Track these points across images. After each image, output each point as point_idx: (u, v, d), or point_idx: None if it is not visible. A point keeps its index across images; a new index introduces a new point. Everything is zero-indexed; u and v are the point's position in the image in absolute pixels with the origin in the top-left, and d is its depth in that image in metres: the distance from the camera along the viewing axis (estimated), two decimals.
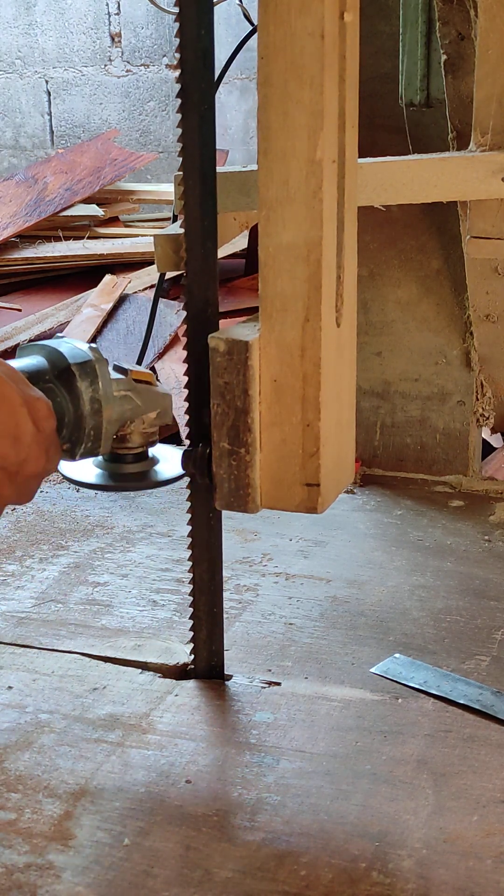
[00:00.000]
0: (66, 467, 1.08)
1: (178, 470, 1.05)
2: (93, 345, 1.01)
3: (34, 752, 1.02)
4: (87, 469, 1.09)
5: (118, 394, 1.02)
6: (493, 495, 1.63)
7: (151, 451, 1.09)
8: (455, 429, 1.69)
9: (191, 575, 1.11)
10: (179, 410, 2.34)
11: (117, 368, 1.03)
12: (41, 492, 1.65)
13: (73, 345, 1.00)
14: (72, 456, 1.00)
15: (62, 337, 1.03)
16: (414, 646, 1.21)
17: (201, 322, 1.00)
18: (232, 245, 3.23)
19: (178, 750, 1.02)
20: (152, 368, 2.54)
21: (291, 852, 0.89)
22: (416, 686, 1.12)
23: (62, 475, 1.09)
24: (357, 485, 1.67)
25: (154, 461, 1.09)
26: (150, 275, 3.13)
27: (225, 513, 1.05)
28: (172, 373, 2.51)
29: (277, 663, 1.17)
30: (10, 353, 2.74)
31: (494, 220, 1.29)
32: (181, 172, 0.98)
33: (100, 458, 1.07)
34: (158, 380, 1.09)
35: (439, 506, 1.60)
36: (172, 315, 2.73)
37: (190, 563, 1.10)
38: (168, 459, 1.09)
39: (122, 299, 2.91)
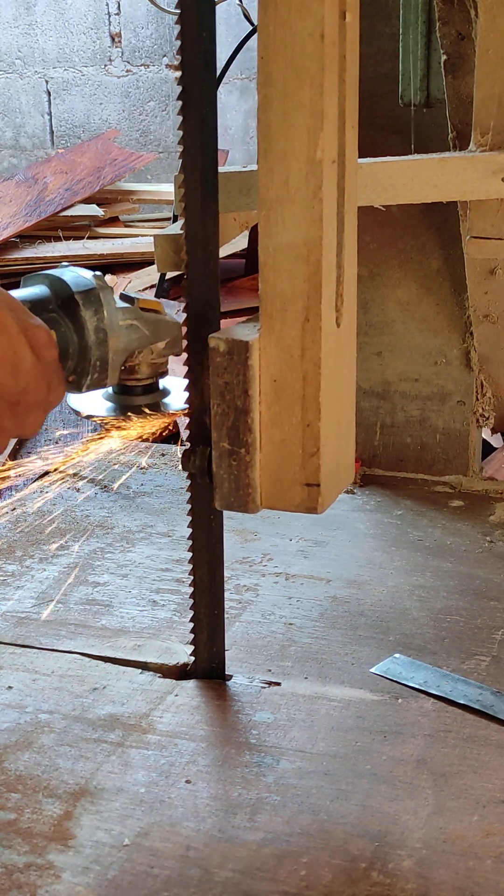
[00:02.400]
0: (75, 400, 1.05)
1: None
2: (97, 272, 0.97)
3: (34, 752, 1.02)
4: (96, 402, 1.05)
5: (124, 323, 0.98)
6: (493, 495, 1.63)
7: (161, 383, 1.05)
8: (455, 429, 1.69)
9: (191, 575, 1.11)
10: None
11: (124, 297, 1.00)
12: (41, 491, 1.65)
13: (77, 273, 0.96)
14: (78, 388, 0.96)
15: (67, 265, 1.00)
16: (414, 646, 1.21)
17: (201, 322, 1.00)
18: (232, 245, 3.23)
19: (178, 750, 1.02)
20: None
21: (291, 852, 0.89)
22: (416, 686, 1.12)
23: (71, 408, 1.06)
24: (357, 485, 1.67)
25: (164, 393, 1.06)
26: (150, 275, 3.14)
27: (225, 513, 1.05)
28: (172, 373, 2.50)
29: (277, 663, 1.17)
30: None
31: (494, 220, 1.29)
32: (181, 173, 0.98)
33: (109, 390, 1.04)
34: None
35: (439, 506, 1.60)
36: (172, 315, 2.72)
37: (190, 564, 1.10)
38: (179, 390, 1.06)
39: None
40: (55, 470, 1.74)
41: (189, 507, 1.08)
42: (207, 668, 1.14)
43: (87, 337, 0.95)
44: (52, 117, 4.60)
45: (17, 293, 0.93)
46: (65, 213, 3.51)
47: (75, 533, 1.51)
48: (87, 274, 0.96)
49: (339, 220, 0.92)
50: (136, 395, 1.05)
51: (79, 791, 0.96)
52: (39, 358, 0.86)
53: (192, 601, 1.12)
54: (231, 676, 1.14)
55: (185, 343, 1.02)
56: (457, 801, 0.95)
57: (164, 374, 1.06)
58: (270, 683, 1.13)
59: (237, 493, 0.95)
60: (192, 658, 1.15)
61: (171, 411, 1.05)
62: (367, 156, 1.17)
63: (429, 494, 1.64)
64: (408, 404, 1.70)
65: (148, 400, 1.05)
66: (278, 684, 1.13)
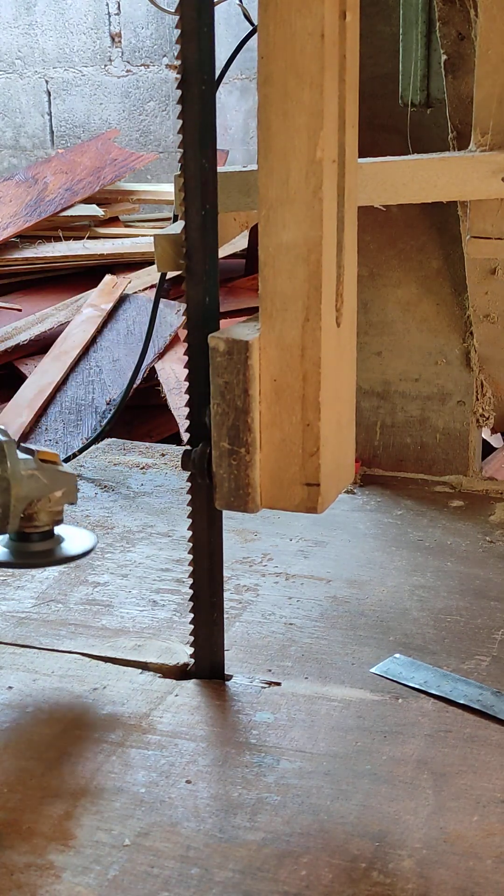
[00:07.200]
0: None
1: (84, 546, 1.10)
2: (1, 426, 1.06)
3: (34, 752, 1.02)
4: None
5: (26, 473, 1.06)
6: (493, 495, 1.63)
7: (57, 530, 1.13)
8: (455, 429, 1.69)
9: (191, 578, 1.11)
10: (180, 410, 2.34)
11: (24, 449, 1.08)
12: None
13: None
14: None
15: None
16: (414, 646, 1.21)
17: (201, 322, 1.00)
18: (232, 245, 3.23)
19: (179, 750, 1.02)
20: (152, 369, 2.54)
21: (291, 852, 0.89)
22: (416, 686, 1.12)
23: None
24: (357, 485, 1.67)
25: (59, 539, 1.13)
26: (150, 275, 3.13)
27: (225, 513, 1.05)
28: (173, 373, 2.50)
29: (277, 663, 1.17)
30: (11, 352, 2.74)
31: (494, 220, 1.29)
32: (181, 174, 0.98)
33: (6, 536, 1.11)
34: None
35: (439, 506, 1.60)
36: (172, 315, 2.72)
37: (190, 564, 1.10)
38: (72, 537, 1.14)
39: (122, 299, 2.91)
40: None
41: (189, 507, 1.08)
42: (207, 668, 1.14)
43: None
44: (52, 117, 4.60)
45: None
46: (65, 213, 3.50)
47: None
48: None
49: (339, 220, 0.92)
50: (33, 542, 1.11)
51: (79, 791, 0.96)
52: None
53: (192, 601, 1.12)
54: (231, 676, 1.14)
55: (185, 344, 1.02)
56: (457, 801, 0.95)
57: (59, 521, 1.12)
58: (270, 683, 1.13)
59: (237, 493, 0.95)
60: (192, 658, 1.15)
61: (66, 556, 1.12)
62: (367, 156, 1.17)
63: (429, 494, 1.64)
64: (408, 404, 1.70)
65: (44, 546, 1.12)
66: (278, 684, 1.13)
